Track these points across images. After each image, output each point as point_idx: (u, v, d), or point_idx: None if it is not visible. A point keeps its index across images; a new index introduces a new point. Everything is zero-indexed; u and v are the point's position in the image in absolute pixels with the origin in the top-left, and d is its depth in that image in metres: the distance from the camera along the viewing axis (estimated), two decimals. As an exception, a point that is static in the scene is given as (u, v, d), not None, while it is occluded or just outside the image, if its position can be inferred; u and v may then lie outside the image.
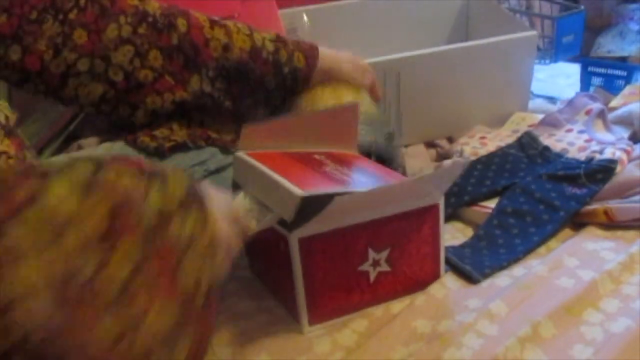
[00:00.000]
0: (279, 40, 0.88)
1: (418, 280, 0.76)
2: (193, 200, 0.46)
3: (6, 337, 0.35)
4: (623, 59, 1.44)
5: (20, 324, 0.35)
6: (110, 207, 0.40)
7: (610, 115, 1.11)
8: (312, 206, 0.62)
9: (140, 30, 0.78)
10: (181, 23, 0.81)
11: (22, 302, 0.35)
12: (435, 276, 0.77)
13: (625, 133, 1.07)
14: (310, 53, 0.89)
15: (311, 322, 0.72)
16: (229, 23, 0.86)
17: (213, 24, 0.84)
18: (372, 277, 0.73)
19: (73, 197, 0.39)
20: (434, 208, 0.74)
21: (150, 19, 0.79)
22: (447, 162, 1.04)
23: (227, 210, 0.53)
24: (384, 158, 0.89)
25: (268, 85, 0.88)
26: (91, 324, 0.37)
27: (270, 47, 0.87)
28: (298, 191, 0.62)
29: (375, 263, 0.72)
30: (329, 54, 0.91)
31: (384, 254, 0.73)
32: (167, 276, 0.41)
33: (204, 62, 0.83)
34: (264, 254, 0.78)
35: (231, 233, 0.53)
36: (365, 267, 0.72)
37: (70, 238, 0.37)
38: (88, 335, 0.37)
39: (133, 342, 0.39)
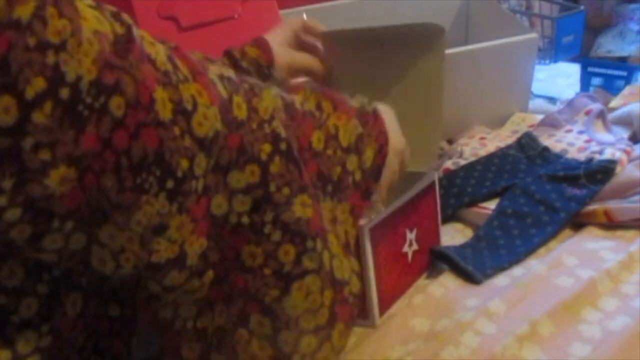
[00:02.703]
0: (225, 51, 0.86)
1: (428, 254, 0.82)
2: None
3: None
4: (623, 59, 1.44)
5: None
6: None
7: (610, 116, 1.11)
8: None
9: None
10: None
11: None
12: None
13: (625, 133, 1.07)
14: (261, 41, 0.87)
15: (380, 314, 0.73)
16: None
17: None
18: (410, 257, 0.77)
19: None
20: (433, 185, 0.81)
21: None
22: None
23: None
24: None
25: None
26: None
27: (221, 58, 0.85)
28: None
29: (410, 243, 0.77)
30: (277, 49, 0.87)
31: (414, 234, 0.77)
32: None
33: None
34: None
35: None
36: (405, 248, 0.76)
37: None
38: None
39: None
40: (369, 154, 0.64)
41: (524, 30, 1.15)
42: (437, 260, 0.81)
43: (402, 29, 0.84)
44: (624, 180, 0.90)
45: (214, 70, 0.50)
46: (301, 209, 0.52)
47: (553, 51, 1.34)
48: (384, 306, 0.73)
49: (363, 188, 0.64)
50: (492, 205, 0.92)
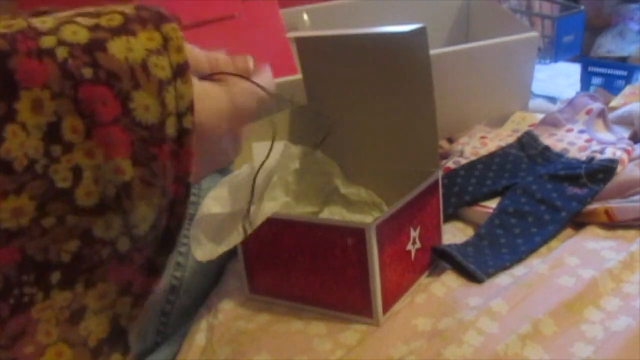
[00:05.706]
0: None
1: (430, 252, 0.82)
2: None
3: None
4: (623, 59, 1.44)
5: None
6: None
7: (611, 115, 1.11)
8: None
9: None
10: None
11: None
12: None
13: (625, 133, 1.08)
14: None
15: (384, 311, 0.73)
16: None
17: None
18: (413, 255, 0.77)
19: None
20: (436, 183, 0.82)
21: None
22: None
23: None
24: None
25: None
26: None
27: None
28: None
29: (414, 241, 0.77)
30: None
31: (417, 231, 0.77)
32: None
33: None
34: (300, 264, 0.76)
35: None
36: (409, 246, 0.76)
37: None
38: None
39: None
40: (143, 212, 0.39)
41: (524, 29, 1.16)
42: (438, 258, 0.81)
43: (383, 34, 0.81)
44: (624, 180, 0.91)
45: None
46: None
47: (553, 51, 1.34)
48: (388, 304, 0.73)
49: (139, 261, 0.40)
50: (493, 204, 0.92)
